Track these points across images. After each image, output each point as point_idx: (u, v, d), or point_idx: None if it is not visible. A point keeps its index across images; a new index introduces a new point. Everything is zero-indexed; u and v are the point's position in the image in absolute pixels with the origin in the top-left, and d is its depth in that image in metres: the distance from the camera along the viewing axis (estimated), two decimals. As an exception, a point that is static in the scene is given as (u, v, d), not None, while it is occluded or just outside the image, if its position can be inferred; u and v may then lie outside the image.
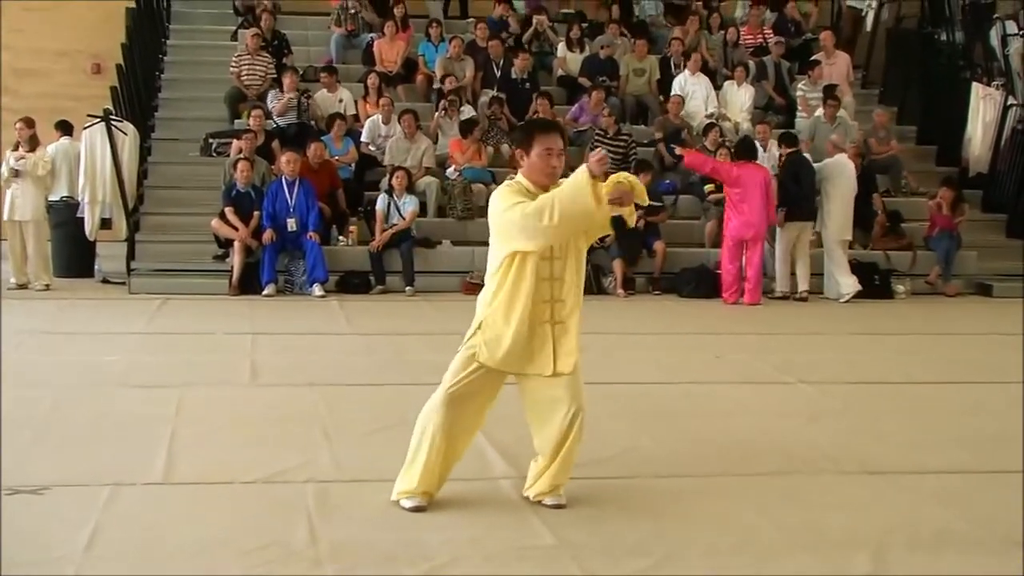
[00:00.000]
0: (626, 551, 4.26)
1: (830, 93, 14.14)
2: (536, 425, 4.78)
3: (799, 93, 15.01)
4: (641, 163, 12.79)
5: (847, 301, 12.08)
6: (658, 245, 12.56)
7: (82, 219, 12.54)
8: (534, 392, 4.74)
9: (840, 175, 12.41)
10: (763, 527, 4.61)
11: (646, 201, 4.79)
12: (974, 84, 15.15)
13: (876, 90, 16.69)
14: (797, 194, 12.15)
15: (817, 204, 12.52)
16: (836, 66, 15.40)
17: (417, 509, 4.68)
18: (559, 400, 4.66)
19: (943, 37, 16.41)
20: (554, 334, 4.66)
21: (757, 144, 12.88)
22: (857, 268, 12.47)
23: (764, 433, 6.28)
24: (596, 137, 13.47)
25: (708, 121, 14.12)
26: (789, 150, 12.51)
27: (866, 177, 13.12)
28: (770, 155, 13.15)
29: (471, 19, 16.33)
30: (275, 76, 14.13)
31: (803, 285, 12.26)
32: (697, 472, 5.46)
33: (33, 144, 12.10)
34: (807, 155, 12.81)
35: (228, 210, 11.87)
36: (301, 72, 14.36)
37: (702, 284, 12.31)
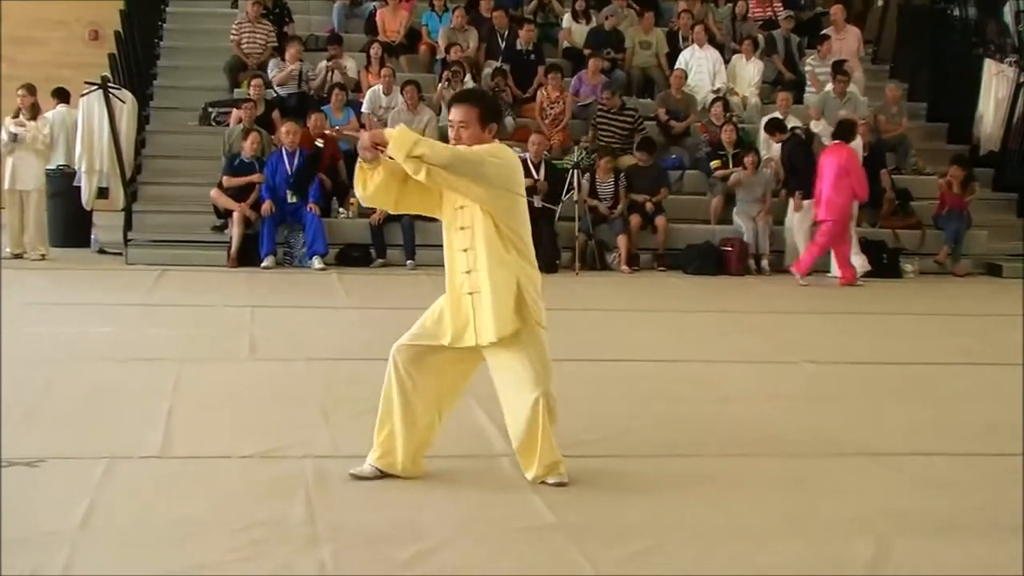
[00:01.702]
0: (622, 533, 4.19)
1: (839, 68, 13.94)
2: (505, 406, 4.67)
3: (808, 68, 14.82)
4: (644, 142, 12.77)
5: (855, 280, 11.97)
6: (659, 220, 12.44)
7: (79, 188, 12.40)
8: (497, 369, 4.64)
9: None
10: (761, 512, 4.53)
11: (400, 158, 4.41)
12: (986, 61, 14.95)
13: (887, 66, 16.49)
14: (805, 174, 12.02)
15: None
16: (846, 41, 15.17)
17: (358, 477, 4.66)
18: (523, 383, 4.55)
19: (955, 13, 16.25)
20: (473, 304, 4.58)
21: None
22: (865, 247, 12.33)
23: (767, 414, 6.21)
24: (599, 113, 13.31)
25: (714, 96, 13.95)
26: (783, 136, 12.53)
27: (875, 154, 12.97)
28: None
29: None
30: (276, 45, 13.97)
31: None
32: (697, 453, 5.38)
33: (34, 112, 11.95)
34: (815, 130, 12.72)
35: (228, 180, 11.73)
36: (303, 40, 14.19)
37: (707, 261, 12.22)
